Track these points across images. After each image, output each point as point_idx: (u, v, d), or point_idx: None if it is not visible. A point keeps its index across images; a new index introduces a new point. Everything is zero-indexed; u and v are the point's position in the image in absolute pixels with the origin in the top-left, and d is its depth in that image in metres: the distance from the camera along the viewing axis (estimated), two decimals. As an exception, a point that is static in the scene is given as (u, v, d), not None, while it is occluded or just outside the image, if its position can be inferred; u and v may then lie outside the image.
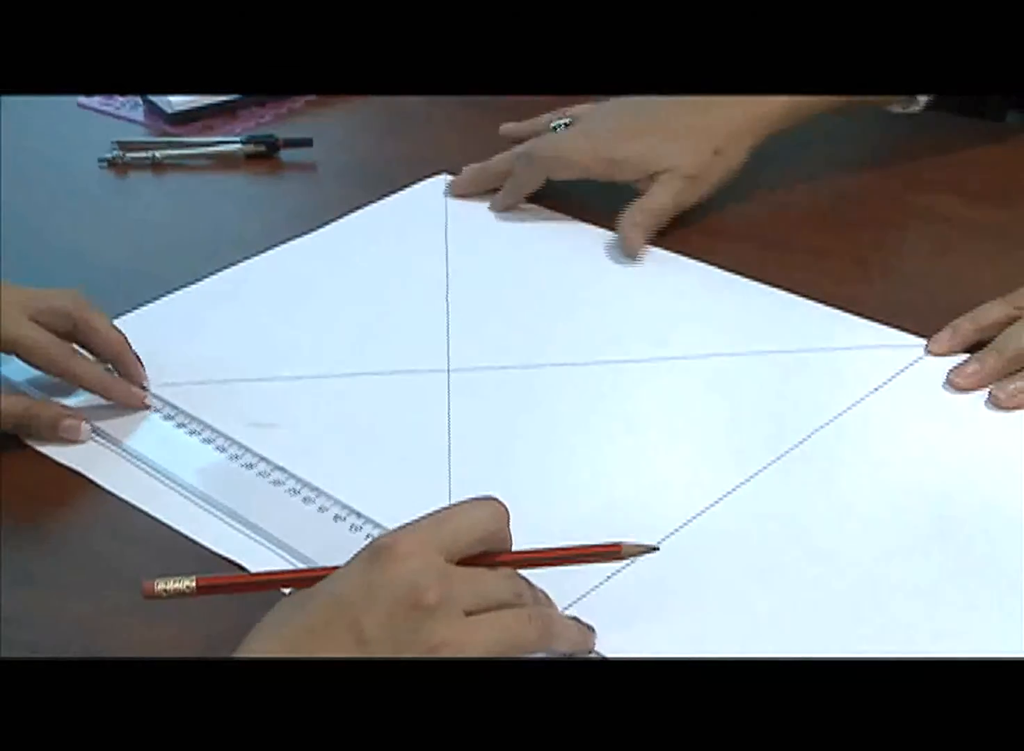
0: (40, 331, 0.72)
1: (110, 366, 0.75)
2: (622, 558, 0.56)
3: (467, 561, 0.54)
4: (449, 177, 0.93)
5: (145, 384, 0.75)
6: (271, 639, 0.52)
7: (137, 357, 0.75)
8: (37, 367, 0.73)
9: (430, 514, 0.55)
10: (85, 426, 0.72)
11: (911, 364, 0.72)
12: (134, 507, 0.67)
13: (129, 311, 0.82)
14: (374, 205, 0.91)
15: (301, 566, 0.62)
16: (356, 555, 0.54)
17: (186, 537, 0.65)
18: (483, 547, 0.54)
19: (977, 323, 0.72)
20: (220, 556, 0.64)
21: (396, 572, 0.52)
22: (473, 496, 0.56)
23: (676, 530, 0.63)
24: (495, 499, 0.55)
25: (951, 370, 0.70)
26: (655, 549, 0.56)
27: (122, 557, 0.65)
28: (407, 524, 0.54)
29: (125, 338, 0.75)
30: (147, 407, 0.73)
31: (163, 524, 0.66)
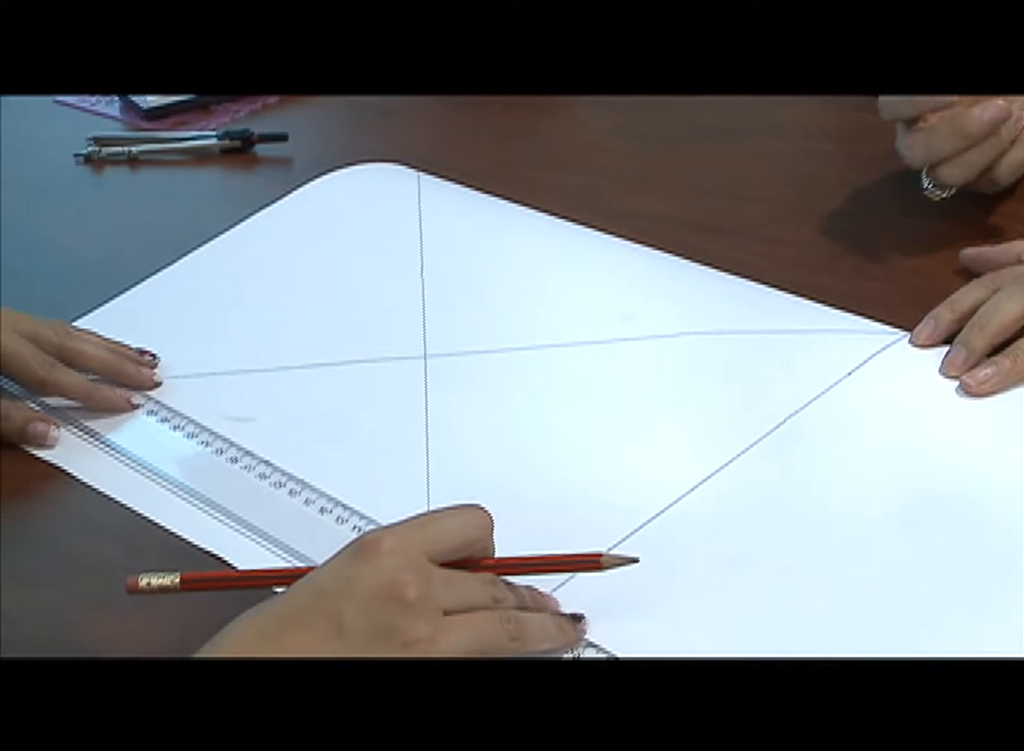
0: (24, 343, 0.73)
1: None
2: (602, 569, 0.56)
3: (448, 565, 0.55)
4: (400, 168, 0.93)
5: (156, 379, 0.75)
6: (247, 628, 0.52)
7: (143, 353, 0.76)
8: (16, 379, 0.74)
9: (416, 516, 0.56)
10: (54, 431, 0.72)
11: (881, 350, 0.72)
12: (114, 501, 0.68)
13: (103, 305, 0.83)
14: (337, 185, 0.92)
15: (288, 559, 0.63)
16: (340, 551, 0.55)
17: (167, 531, 0.66)
18: (465, 553, 0.56)
19: (956, 311, 0.72)
20: (203, 550, 0.64)
21: (378, 566, 0.53)
22: (456, 498, 0.57)
23: (655, 516, 0.64)
24: (480, 507, 0.56)
25: (966, 375, 0.69)
26: (635, 561, 0.57)
27: (101, 551, 0.66)
28: (392, 524, 0.55)
29: (120, 349, 0.76)
30: (135, 408, 0.74)
31: (143, 518, 0.67)
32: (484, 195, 0.91)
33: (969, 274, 0.75)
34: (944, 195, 0.80)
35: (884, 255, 0.82)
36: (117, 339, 0.77)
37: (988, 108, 0.76)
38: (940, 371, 0.70)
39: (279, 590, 0.56)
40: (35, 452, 0.72)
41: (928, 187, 0.81)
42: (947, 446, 0.66)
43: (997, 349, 0.70)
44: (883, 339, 0.73)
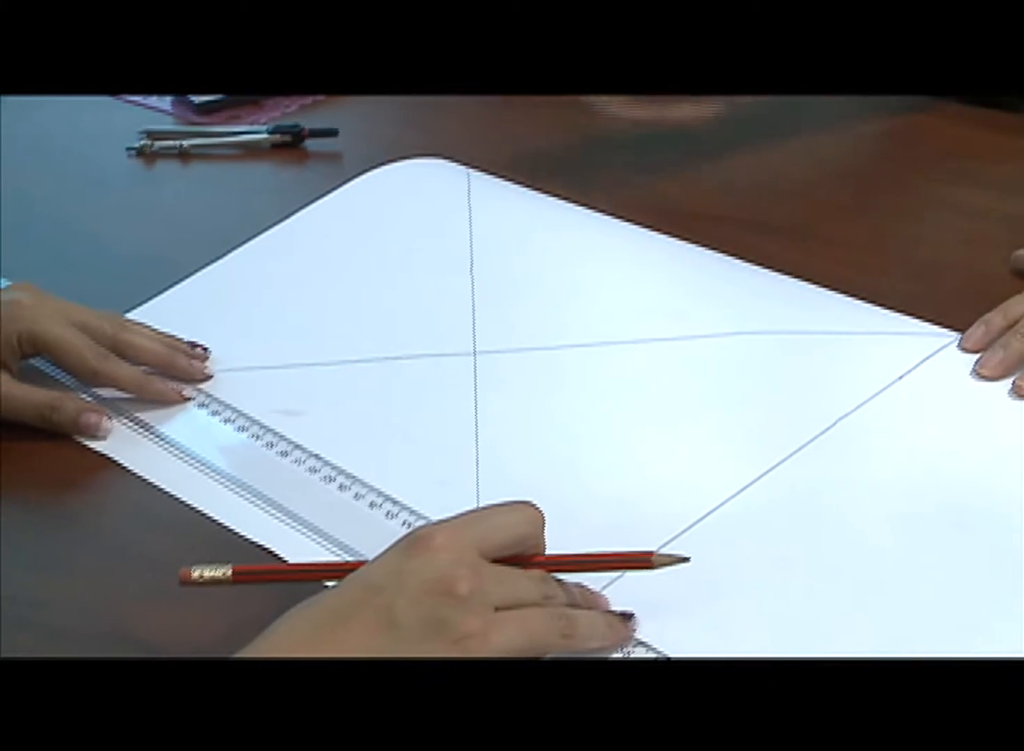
0: (78, 334, 0.73)
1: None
2: (653, 568, 0.56)
3: (500, 562, 0.55)
4: (449, 163, 0.94)
5: (207, 372, 0.76)
6: (300, 621, 0.53)
7: (194, 345, 0.76)
8: (70, 370, 0.74)
9: (467, 512, 0.56)
10: (106, 422, 0.72)
11: (934, 353, 0.72)
12: (166, 493, 0.68)
13: (155, 298, 0.83)
14: (386, 180, 0.92)
15: (338, 553, 0.63)
16: (392, 545, 0.55)
17: (218, 524, 0.66)
18: (517, 549, 0.56)
19: (1009, 317, 0.72)
20: (253, 543, 0.64)
21: (430, 561, 0.53)
22: (506, 494, 0.57)
23: (704, 516, 0.63)
24: (532, 504, 0.56)
25: (977, 360, 0.70)
26: (685, 560, 0.57)
27: (151, 543, 0.66)
28: (444, 519, 0.55)
29: (172, 342, 0.76)
30: (187, 400, 0.74)
31: (194, 510, 0.67)
32: (533, 191, 0.90)
33: (1022, 276, 0.75)
34: None
35: (937, 256, 0.82)
36: (169, 332, 0.77)
37: None
38: (973, 368, 0.70)
39: (330, 584, 0.56)
40: (87, 443, 0.72)
41: None
42: (999, 450, 0.66)
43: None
44: (937, 341, 0.73)
